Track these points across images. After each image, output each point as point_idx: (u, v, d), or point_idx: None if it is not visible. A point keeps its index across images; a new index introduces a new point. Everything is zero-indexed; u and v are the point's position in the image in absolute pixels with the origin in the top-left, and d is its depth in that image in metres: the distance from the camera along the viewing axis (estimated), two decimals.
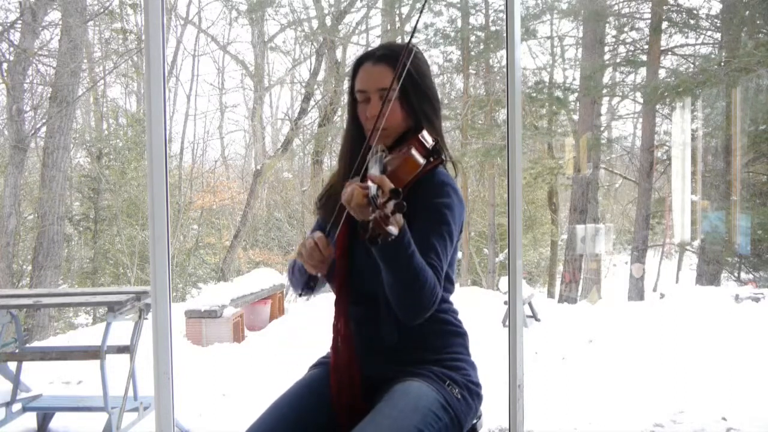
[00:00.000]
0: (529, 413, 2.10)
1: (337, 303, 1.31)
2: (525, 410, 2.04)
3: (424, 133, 1.28)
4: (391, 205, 1.00)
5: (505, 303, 5.82)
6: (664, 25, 9.47)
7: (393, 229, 0.99)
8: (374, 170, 1.16)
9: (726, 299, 6.58)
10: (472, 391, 1.31)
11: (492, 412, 1.64)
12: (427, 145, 1.25)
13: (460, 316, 1.39)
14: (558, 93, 10.29)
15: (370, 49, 1.37)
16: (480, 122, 11.04)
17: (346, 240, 1.29)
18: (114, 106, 10.71)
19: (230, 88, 12.46)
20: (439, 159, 1.27)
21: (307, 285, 1.29)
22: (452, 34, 10.39)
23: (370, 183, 1.04)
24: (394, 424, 1.14)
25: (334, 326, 1.31)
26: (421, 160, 1.19)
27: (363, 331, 1.31)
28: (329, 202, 1.38)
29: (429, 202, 1.24)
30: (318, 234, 1.24)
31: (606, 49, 10.01)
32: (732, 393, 3.71)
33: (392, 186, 1.04)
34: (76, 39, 7.88)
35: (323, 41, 10.71)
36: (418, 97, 1.31)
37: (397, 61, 1.28)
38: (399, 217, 1.03)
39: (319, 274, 1.26)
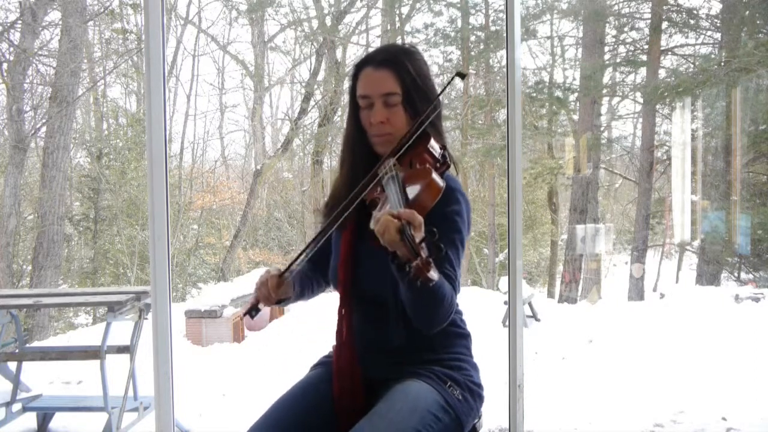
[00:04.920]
0: (529, 413, 2.10)
1: (340, 307, 1.31)
2: (525, 410, 2.04)
3: (433, 141, 1.27)
4: (425, 246, 0.98)
5: (505, 303, 5.82)
6: (664, 25, 9.46)
7: (434, 275, 0.96)
8: (392, 191, 1.14)
9: (726, 299, 6.57)
10: (474, 392, 1.31)
11: (492, 412, 1.64)
12: (437, 155, 1.25)
13: (463, 317, 1.39)
14: (558, 93, 10.28)
15: (370, 52, 1.36)
16: (480, 122, 11.04)
17: (350, 243, 1.29)
18: (114, 106, 10.70)
19: (230, 88, 12.49)
20: (447, 165, 1.27)
21: (248, 312, 1.31)
22: (452, 34, 10.39)
23: (399, 220, 1.02)
24: (391, 426, 1.13)
25: (338, 330, 1.31)
26: (442, 184, 1.17)
27: (368, 332, 1.31)
28: (334, 209, 1.38)
29: (440, 210, 1.21)
30: (273, 272, 1.26)
31: (606, 49, 10.00)
32: (732, 393, 3.71)
33: (423, 224, 1.02)
34: (76, 39, 7.88)
35: (323, 41, 10.71)
36: (420, 99, 1.30)
37: (398, 64, 1.27)
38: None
39: (261, 306, 1.29)
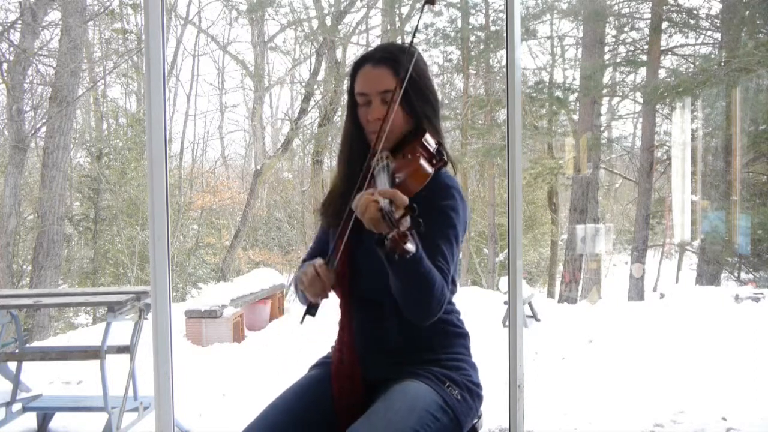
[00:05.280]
0: (529, 413, 2.10)
1: (341, 309, 1.32)
2: (525, 410, 2.04)
3: (428, 136, 1.28)
4: (406, 221, 0.99)
5: (505, 303, 5.82)
6: (664, 25, 9.46)
7: (411, 247, 0.98)
8: (382, 180, 1.15)
9: (726, 299, 6.57)
10: (473, 392, 1.31)
11: (492, 412, 1.64)
12: (432, 149, 1.25)
13: (461, 317, 1.39)
14: (558, 93, 10.28)
15: (369, 50, 1.37)
16: (480, 122, 11.04)
17: (347, 244, 1.29)
18: (114, 106, 10.69)
19: (230, 88, 12.47)
20: (443, 162, 1.28)
21: (308, 313, 1.28)
22: (452, 34, 10.39)
23: (381, 197, 1.03)
24: (389, 425, 1.13)
25: (339, 333, 1.32)
26: (430, 170, 1.18)
27: (366, 333, 1.31)
28: (332, 206, 1.38)
29: (435, 204, 1.24)
30: (319, 261, 1.24)
31: (606, 49, 10.00)
32: (732, 393, 3.71)
33: (406, 201, 1.03)
34: (76, 39, 7.87)
35: (323, 41, 10.71)
36: (418, 97, 1.31)
37: (397, 62, 1.28)
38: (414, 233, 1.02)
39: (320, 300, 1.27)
